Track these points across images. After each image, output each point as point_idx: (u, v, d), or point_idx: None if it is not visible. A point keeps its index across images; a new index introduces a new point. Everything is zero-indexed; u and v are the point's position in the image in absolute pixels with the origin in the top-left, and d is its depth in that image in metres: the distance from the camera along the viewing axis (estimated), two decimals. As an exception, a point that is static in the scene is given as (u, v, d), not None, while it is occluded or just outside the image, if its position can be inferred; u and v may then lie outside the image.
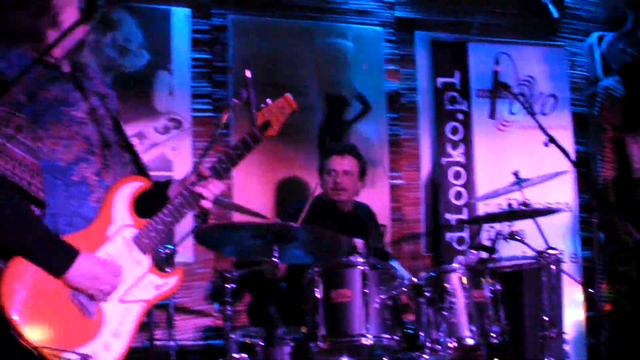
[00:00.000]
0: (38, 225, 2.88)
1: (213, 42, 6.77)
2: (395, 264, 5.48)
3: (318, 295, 4.68)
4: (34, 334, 2.78)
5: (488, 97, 7.28)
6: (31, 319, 2.79)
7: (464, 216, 7.29)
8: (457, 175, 7.34)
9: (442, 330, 4.76)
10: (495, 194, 6.09)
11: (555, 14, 7.76)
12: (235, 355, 4.76)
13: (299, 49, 7.03)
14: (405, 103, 7.41)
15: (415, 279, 4.87)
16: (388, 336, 4.62)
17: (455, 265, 5.28)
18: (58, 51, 3.09)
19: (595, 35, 8.03)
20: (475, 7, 7.57)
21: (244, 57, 6.75)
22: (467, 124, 7.37)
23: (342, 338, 4.62)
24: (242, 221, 5.85)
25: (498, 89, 5.53)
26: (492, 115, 5.82)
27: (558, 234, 7.08)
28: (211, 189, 3.17)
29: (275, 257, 4.28)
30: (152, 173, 3.34)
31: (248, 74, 3.71)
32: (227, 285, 4.80)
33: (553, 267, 5.58)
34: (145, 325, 5.27)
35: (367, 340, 4.55)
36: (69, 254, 2.88)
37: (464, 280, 4.97)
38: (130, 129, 3.39)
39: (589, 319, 7.36)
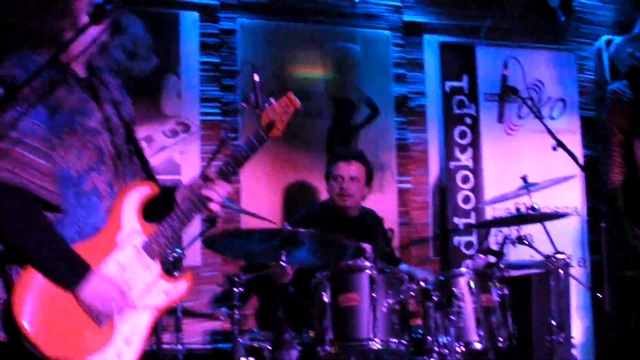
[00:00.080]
0: (53, 238, 2.87)
1: (221, 46, 6.78)
2: (411, 269, 5.49)
3: (326, 299, 4.68)
4: (46, 343, 2.77)
5: (496, 101, 7.25)
6: (43, 328, 2.78)
7: (472, 220, 7.28)
8: (465, 180, 7.33)
9: (450, 334, 4.76)
10: (503, 198, 6.08)
11: (561, 18, 7.75)
12: (243, 359, 4.76)
13: (307, 53, 7.04)
14: (414, 107, 7.41)
15: (433, 277, 4.89)
16: (396, 340, 4.63)
17: (463, 269, 5.27)
18: (80, 58, 3.09)
19: (603, 39, 8.02)
20: (483, 11, 7.57)
21: (252, 61, 6.75)
22: (475, 128, 7.37)
23: (350, 342, 4.62)
24: (249, 227, 5.85)
25: (506, 93, 5.50)
26: (500, 119, 5.79)
27: (566, 239, 7.07)
28: (218, 191, 3.16)
29: (283, 261, 4.28)
30: (160, 177, 3.34)
31: (256, 77, 3.72)
32: (235, 289, 4.80)
33: (561, 271, 5.57)
34: (153, 329, 5.27)
35: (375, 345, 4.56)
36: (81, 270, 2.89)
37: (472, 284, 4.98)
38: (138, 133, 3.38)
39: (596, 323, 7.35)
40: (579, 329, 7.16)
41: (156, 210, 3.14)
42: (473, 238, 7.27)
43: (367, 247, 5.23)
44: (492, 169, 7.32)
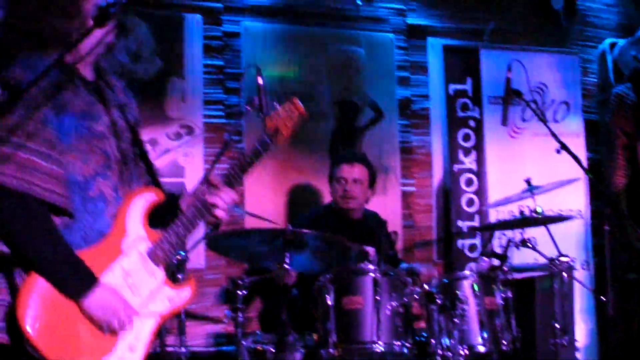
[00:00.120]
0: (58, 245, 2.86)
1: (225, 48, 6.78)
2: (412, 264, 5.50)
3: (329, 302, 4.68)
4: (49, 348, 2.77)
5: (500, 104, 7.25)
6: (46, 333, 2.77)
7: (475, 223, 7.28)
8: (469, 182, 7.33)
9: (454, 337, 4.76)
10: (507, 201, 6.08)
11: (563, 23, 7.76)
12: (246, 361, 4.76)
13: (311, 55, 7.04)
14: (417, 110, 7.41)
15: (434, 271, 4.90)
16: (399, 343, 4.62)
17: (466, 272, 5.27)
18: (87, 59, 3.09)
19: (607, 42, 8.02)
20: (487, 14, 7.58)
21: (256, 64, 6.74)
22: (479, 130, 7.36)
23: (354, 345, 4.62)
24: (253, 227, 5.85)
25: (510, 96, 5.50)
26: (504, 122, 5.79)
27: (570, 241, 7.06)
28: (224, 198, 3.16)
29: (286, 263, 4.28)
30: (163, 179, 3.34)
31: (260, 80, 3.71)
32: (238, 292, 4.80)
33: (565, 274, 5.56)
34: (157, 332, 5.27)
35: (379, 348, 4.56)
36: (86, 281, 2.88)
37: (476, 287, 4.97)
38: (142, 135, 3.38)
39: (600, 326, 7.35)
40: (582, 331, 7.15)
41: (161, 216, 3.13)
42: (477, 241, 7.27)
43: (371, 249, 5.23)
44: (496, 172, 7.31)
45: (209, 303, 6.37)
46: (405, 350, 4.64)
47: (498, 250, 5.96)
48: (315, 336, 4.77)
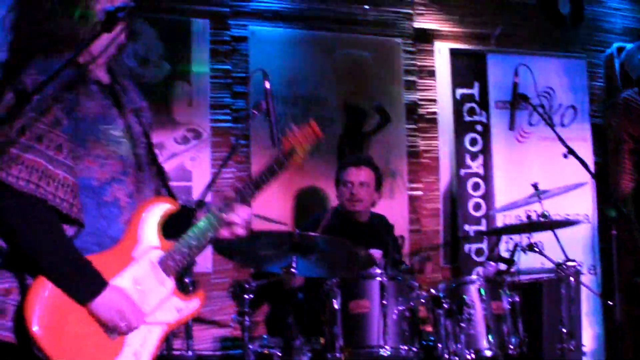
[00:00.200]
0: (70, 252, 2.84)
1: (232, 53, 6.79)
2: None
3: (336, 306, 4.68)
4: (55, 351, 2.76)
5: (507, 109, 7.25)
6: (53, 336, 2.77)
7: (482, 227, 7.28)
8: (476, 187, 7.33)
9: (461, 341, 4.76)
10: (514, 206, 6.08)
11: (572, 28, 7.77)
12: (253, 365, 4.77)
13: (319, 60, 7.05)
14: (424, 114, 7.41)
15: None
16: (406, 347, 4.63)
17: (473, 276, 5.28)
18: (100, 60, 3.09)
19: (614, 46, 8.01)
20: (494, 18, 7.58)
21: (263, 68, 6.76)
22: (486, 135, 7.37)
23: (360, 349, 4.63)
24: (260, 230, 5.85)
25: (517, 100, 5.50)
26: (511, 126, 5.79)
27: (577, 246, 7.06)
28: (240, 215, 3.16)
29: (293, 267, 4.28)
30: (171, 183, 3.34)
31: (267, 85, 3.72)
32: (245, 296, 4.80)
33: (572, 279, 5.56)
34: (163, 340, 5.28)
35: (385, 352, 4.56)
36: (96, 284, 2.86)
37: (483, 291, 4.98)
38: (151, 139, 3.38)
39: (607, 331, 7.33)
40: (589, 336, 7.15)
41: (174, 226, 3.12)
42: (484, 245, 7.27)
43: (377, 252, 5.23)
44: (503, 176, 7.32)
45: (216, 307, 6.36)
46: (412, 355, 4.65)
47: (505, 254, 5.94)
48: (322, 340, 4.77)
